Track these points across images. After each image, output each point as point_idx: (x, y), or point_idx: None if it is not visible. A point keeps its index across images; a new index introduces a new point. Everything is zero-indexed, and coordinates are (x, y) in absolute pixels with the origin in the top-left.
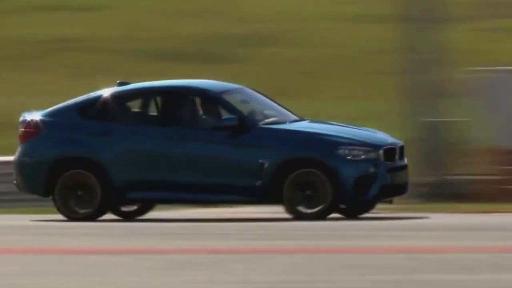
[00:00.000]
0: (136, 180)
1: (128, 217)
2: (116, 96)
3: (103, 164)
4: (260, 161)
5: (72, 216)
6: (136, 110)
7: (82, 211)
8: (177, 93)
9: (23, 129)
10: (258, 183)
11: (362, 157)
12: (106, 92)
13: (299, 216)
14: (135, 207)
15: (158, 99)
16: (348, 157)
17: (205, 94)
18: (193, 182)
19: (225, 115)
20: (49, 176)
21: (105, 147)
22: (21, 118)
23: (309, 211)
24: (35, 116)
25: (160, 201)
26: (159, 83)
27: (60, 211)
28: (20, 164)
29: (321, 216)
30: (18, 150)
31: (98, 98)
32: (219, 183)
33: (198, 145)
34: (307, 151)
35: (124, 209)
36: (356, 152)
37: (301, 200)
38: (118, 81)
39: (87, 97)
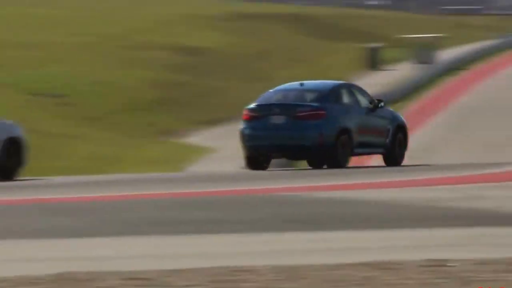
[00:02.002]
0: (355, 141)
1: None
2: (338, 89)
3: (350, 131)
4: (388, 127)
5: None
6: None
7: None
8: (353, 87)
9: (311, 112)
10: (387, 141)
11: None
12: (330, 84)
13: (396, 163)
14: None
15: (347, 91)
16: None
17: (360, 88)
18: (364, 141)
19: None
20: (334, 141)
21: (350, 121)
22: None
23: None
24: (311, 103)
25: (357, 155)
26: (341, 82)
27: (342, 158)
28: (314, 138)
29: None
30: (301, 126)
31: (333, 89)
32: (373, 141)
33: (366, 118)
34: (400, 121)
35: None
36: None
37: (398, 151)
38: (300, 82)
39: (325, 88)
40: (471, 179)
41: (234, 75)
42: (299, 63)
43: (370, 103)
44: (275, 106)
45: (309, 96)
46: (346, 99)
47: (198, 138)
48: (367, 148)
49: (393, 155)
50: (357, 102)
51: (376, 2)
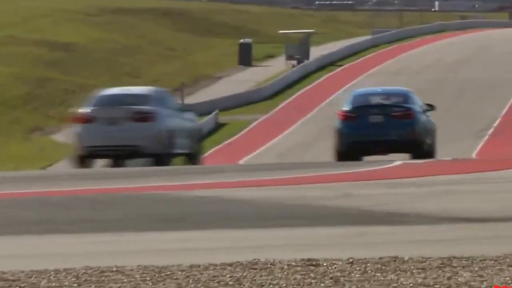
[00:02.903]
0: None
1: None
2: (411, 93)
3: (426, 130)
4: (432, 127)
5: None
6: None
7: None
8: (413, 92)
9: (405, 112)
10: (429, 140)
11: None
12: (405, 90)
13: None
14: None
15: (413, 95)
16: None
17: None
18: (428, 139)
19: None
20: (422, 137)
21: (424, 121)
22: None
23: None
24: (403, 104)
25: None
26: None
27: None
28: (408, 134)
29: None
30: (397, 124)
31: (408, 93)
32: (430, 140)
33: (427, 119)
34: (434, 123)
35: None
36: None
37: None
38: (379, 87)
39: (403, 92)
40: (342, 177)
41: (103, 71)
42: (171, 59)
43: (420, 107)
44: (373, 107)
45: (394, 99)
46: (417, 102)
47: (65, 135)
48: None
49: (432, 152)
50: (420, 105)
51: None
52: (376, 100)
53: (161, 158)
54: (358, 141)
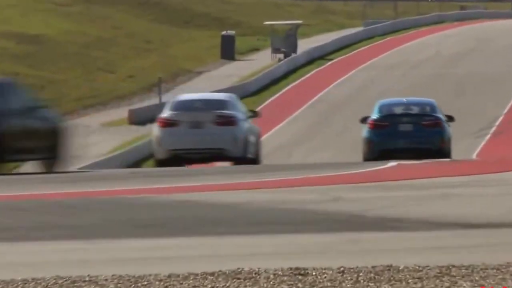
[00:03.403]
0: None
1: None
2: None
3: (449, 137)
4: (451, 135)
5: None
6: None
7: None
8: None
9: (434, 121)
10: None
11: None
12: (430, 100)
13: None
14: None
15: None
16: None
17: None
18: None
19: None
20: (449, 144)
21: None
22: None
23: None
24: (431, 113)
25: None
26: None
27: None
28: (438, 142)
29: None
30: (427, 132)
31: (434, 103)
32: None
33: (447, 125)
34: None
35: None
36: None
37: None
38: (404, 98)
39: (430, 102)
40: (332, 180)
41: (74, 66)
42: (148, 53)
43: (444, 116)
44: (402, 116)
45: (421, 108)
46: (440, 112)
47: None
48: None
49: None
50: (443, 115)
51: None
52: (403, 109)
53: (243, 162)
54: (388, 149)
